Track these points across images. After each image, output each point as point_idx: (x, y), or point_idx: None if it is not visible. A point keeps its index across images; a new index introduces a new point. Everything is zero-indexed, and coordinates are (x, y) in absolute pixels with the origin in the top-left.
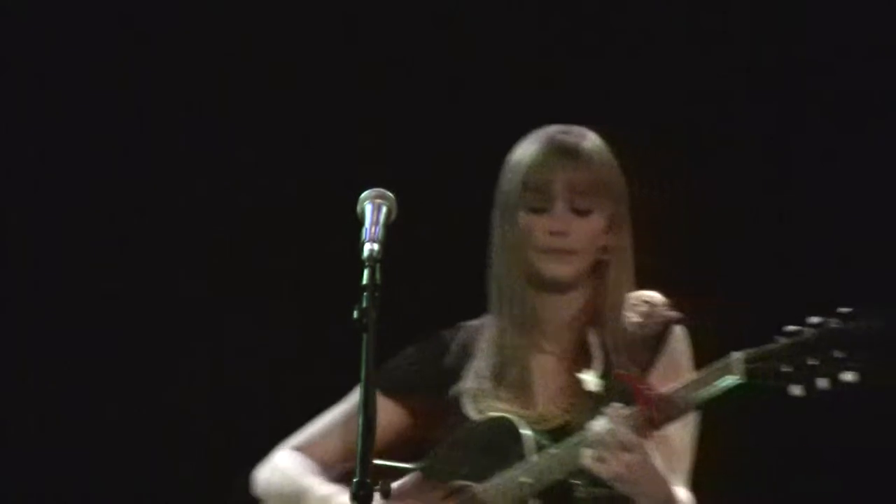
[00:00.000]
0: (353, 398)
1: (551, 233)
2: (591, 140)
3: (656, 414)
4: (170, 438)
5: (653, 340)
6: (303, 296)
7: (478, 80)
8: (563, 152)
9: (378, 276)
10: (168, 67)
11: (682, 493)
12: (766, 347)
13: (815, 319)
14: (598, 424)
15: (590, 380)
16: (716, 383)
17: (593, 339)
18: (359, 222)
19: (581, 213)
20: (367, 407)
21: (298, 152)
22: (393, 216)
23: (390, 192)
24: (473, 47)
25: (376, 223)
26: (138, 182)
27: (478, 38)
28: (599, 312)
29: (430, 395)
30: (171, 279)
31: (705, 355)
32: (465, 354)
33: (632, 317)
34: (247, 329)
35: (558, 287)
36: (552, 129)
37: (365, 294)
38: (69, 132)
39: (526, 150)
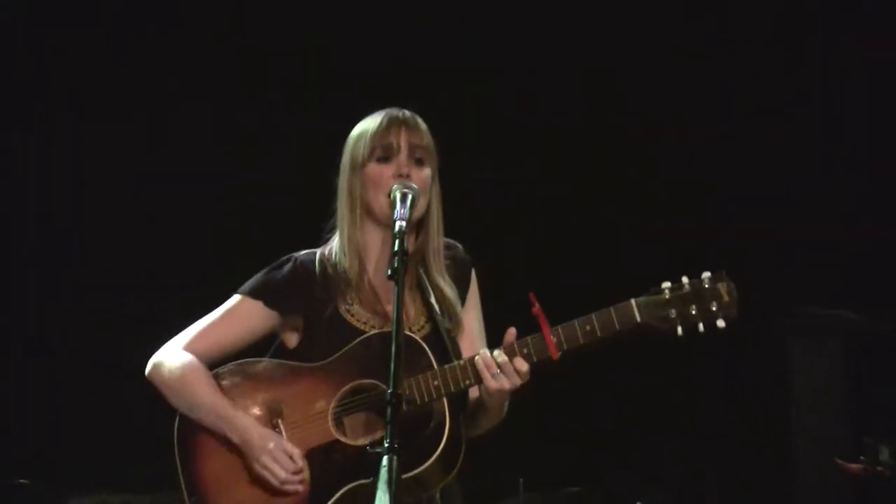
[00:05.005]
0: (224, 307)
1: (400, 175)
2: (417, 116)
3: (563, 341)
4: None
5: (462, 278)
6: None
7: None
8: (403, 121)
9: (405, 244)
10: None
11: None
12: (657, 296)
13: (686, 279)
14: (497, 352)
15: (436, 305)
16: (615, 321)
17: (423, 277)
18: None
19: (418, 162)
20: (398, 335)
21: None
22: (417, 202)
23: None
24: None
25: (404, 206)
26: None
27: None
28: (425, 254)
29: (311, 310)
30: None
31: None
32: (329, 277)
33: (444, 260)
34: None
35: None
36: (389, 109)
37: (396, 257)
38: None
39: (373, 122)
